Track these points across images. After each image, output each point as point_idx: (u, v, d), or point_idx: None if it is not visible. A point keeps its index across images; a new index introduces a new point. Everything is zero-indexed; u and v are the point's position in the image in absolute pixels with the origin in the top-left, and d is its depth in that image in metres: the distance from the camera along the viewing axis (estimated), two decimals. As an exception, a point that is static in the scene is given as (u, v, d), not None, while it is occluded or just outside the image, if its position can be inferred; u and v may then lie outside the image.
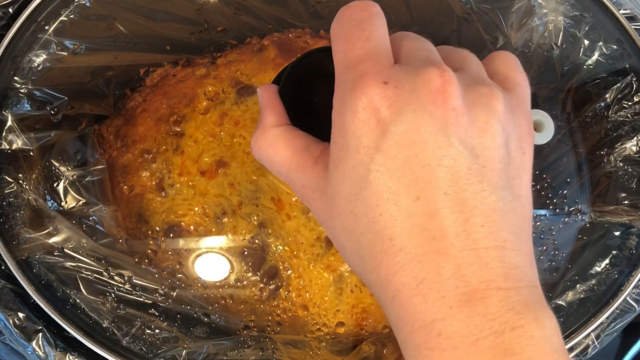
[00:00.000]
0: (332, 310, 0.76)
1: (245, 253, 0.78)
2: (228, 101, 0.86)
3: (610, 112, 0.71)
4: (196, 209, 0.80)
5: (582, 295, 0.61)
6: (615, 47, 0.72)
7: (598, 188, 0.67)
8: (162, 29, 0.84)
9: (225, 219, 0.80)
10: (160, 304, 0.70)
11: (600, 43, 0.72)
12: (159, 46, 0.86)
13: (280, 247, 0.78)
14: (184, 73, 0.88)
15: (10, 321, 0.59)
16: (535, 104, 0.79)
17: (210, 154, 0.83)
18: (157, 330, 0.67)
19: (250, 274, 0.78)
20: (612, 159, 0.68)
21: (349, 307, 0.76)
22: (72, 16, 0.74)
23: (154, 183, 0.82)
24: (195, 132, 0.84)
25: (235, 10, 0.86)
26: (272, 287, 0.77)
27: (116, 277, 0.68)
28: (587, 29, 0.73)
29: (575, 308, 0.61)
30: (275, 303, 0.77)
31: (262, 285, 0.77)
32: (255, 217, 0.79)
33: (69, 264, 0.65)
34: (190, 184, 0.81)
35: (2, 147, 0.69)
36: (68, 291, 0.63)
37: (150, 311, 0.68)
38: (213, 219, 0.80)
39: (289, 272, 0.78)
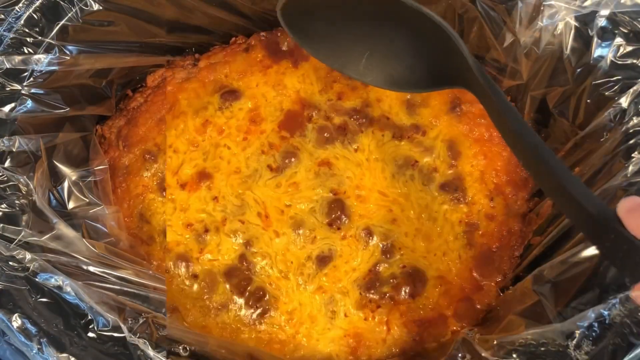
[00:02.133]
0: (324, 335, 0.71)
1: (230, 273, 0.73)
2: (211, 107, 0.81)
3: (626, 117, 0.66)
4: (176, 225, 0.76)
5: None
6: (631, 46, 0.67)
7: (614, 201, 0.62)
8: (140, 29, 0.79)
9: (208, 237, 0.74)
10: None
11: (615, 42, 0.67)
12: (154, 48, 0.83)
13: (268, 267, 0.73)
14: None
15: (13, 322, 0.59)
16: (545, 109, 0.75)
17: (191, 165, 0.78)
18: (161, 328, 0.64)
19: (235, 296, 0.72)
20: (629, 169, 0.63)
21: (342, 332, 0.71)
22: (72, 21, 0.72)
23: (155, 183, 0.78)
24: (175, 140, 0.79)
25: (219, 8, 0.80)
26: (259, 310, 0.72)
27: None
28: (600, 26, 0.68)
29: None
30: (263, 328, 0.71)
31: (248, 308, 0.72)
32: (240, 235, 0.74)
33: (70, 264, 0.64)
34: (171, 197, 0.76)
35: (7, 148, 0.67)
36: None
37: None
38: (194, 237, 0.74)
39: (277, 294, 0.72)
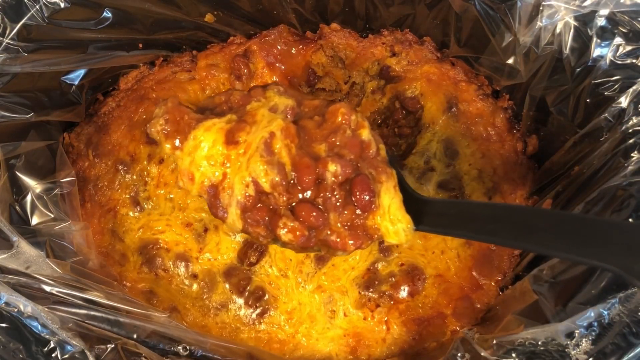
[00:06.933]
0: (323, 335, 0.71)
1: (229, 273, 0.72)
2: None
3: (625, 116, 0.65)
4: (175, 225, 0.74)
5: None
6: (630, 46, 0.66)
7: (613, 203, 0.61)
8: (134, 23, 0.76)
9: (207, 236, 0.73)
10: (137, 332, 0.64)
11: (615, 41, 0.67)
12: (132, 44, 0.78)
13: (267, 266, 0.72)
14: (163, 75, 0.81)
15: None
16: (544, 107, 0.74)
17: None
18: (133, 357, 0.61)
19: (234, 296, 0.72)
20: (629, 169, 0.63)
21: (342, 331, 0.71)
22: (36, 20, 0.67)
23: (128, 197, 0.75)
24: None
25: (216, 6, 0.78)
26: (258, 309, 0.71)
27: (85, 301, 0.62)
28: (599, 26, 0.67)
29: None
30: (262, 327, 0.71)
31: (247, 308, 0.71)
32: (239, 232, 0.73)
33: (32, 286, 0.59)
34: (169, 197, 0.75)
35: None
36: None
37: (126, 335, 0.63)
38: (193, 237, 0.73)
39: (277, 293, 0.72)
